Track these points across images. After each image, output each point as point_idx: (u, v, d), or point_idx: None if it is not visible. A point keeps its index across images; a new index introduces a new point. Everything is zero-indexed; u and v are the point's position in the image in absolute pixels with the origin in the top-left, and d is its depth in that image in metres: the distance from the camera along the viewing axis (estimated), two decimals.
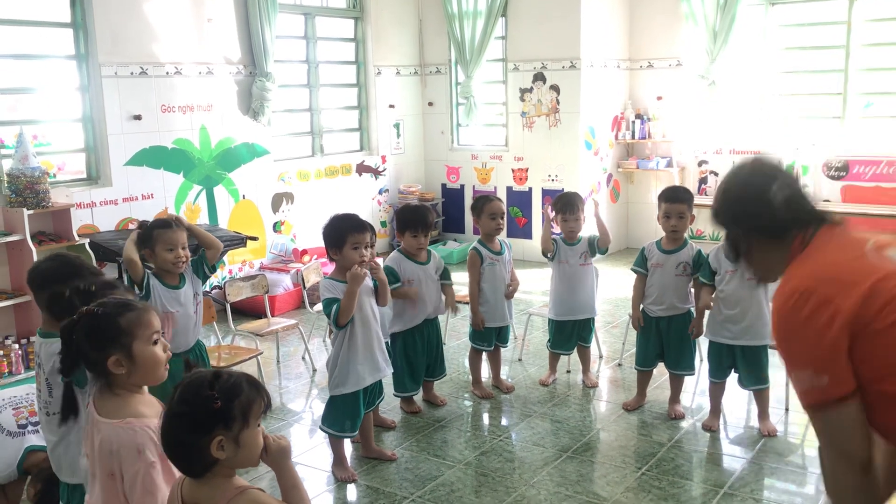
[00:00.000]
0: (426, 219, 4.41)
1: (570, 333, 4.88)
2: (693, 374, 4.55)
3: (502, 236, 4.86)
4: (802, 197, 1.93)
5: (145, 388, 2.20)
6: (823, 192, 7.69)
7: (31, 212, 5.24)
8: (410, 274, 4.38)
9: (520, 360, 5.41)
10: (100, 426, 2.10)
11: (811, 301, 1.75)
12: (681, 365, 4.44)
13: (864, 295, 1.70)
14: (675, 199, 4.28)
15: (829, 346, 1.72)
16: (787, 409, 4.42)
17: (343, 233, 3.67)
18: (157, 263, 3.69)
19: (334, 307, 3.62)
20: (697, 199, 8.07)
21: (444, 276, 4.53)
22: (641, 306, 4.43)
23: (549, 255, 4.80)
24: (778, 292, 1.85)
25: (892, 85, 7.53)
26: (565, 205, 4.79)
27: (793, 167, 1.99)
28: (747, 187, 1.96)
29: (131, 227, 5.98)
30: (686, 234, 4.41)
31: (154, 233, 3.67)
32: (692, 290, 4.38)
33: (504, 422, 4.54)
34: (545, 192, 8.18)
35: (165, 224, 3.74)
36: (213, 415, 1.76)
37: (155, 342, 2.15)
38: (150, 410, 2.14)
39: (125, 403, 2.13)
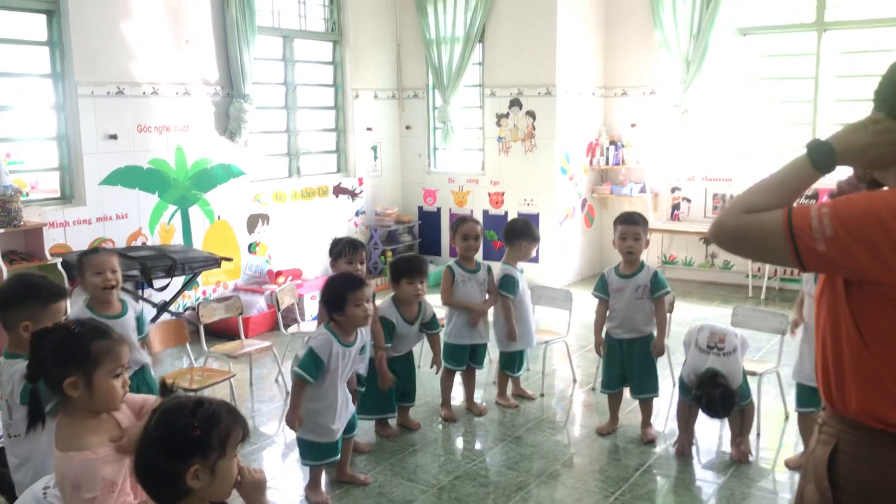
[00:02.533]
0: (422, 267, 4.46)
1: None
2: (658, 395, 4.57)
3: (479, 256, 4.92)
4: None
5: (102, 415, 2.18)
6: None
7: (2, 230, 5.19)
8: (400, 331, 4.41)
9: (494, 382, 5.41)
10: (56, 457, 2.10)
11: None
12: (646, 388, 4.48)
13: None
14: (630, 222, 4.39)
15: (864, 245, 1.60)
16: (758, 435, 4.46)
17: (343, 294, 3.65)
18: (88, 289, 3.68)
19: (305, 370, 3.61)
20: (671, 226, 8.24)
21: (431, 325, 4.54)
22: (605, 330, 4.49)
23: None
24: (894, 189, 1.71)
25: (861, 115, 7.66)
26: (535, 235, 4.99)
27: None
28: None
29: (105, 246, 5.96)
30: (642, 257, 4.48)
31: (83, 259, 3.69)
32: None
33: (478, 446, 4.54)
34: (521, 216, 8.24)
35: (93, 250, 3.81)
36: (192, 443, 1.74)
37: (116, 376, 2.14)
38: (99, 438, 2.12)
39: (73, 434, 2.11)
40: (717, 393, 3.91)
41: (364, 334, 3.92)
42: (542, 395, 5.18)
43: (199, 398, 1.83)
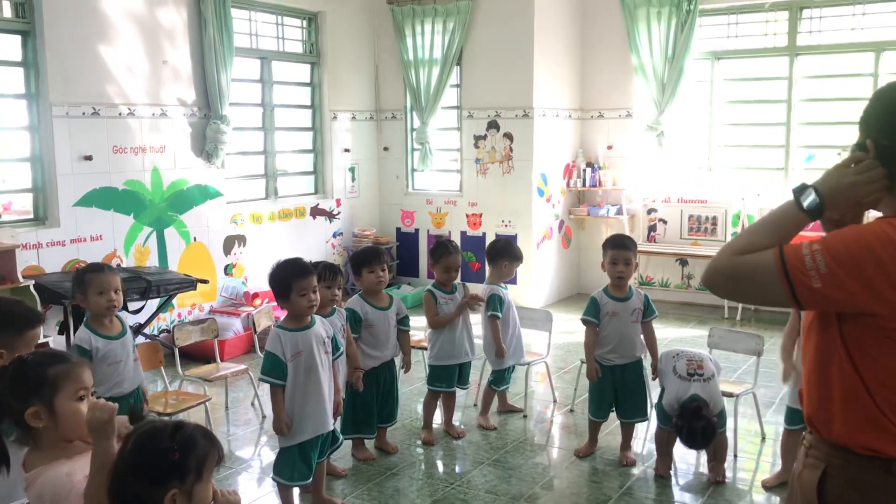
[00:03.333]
0: (377, 252, 4.46)
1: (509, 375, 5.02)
2: (647, 420, 4.58)
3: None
4: None
5: (75, 443, 2.10)
6: None
7: None
8: (372, 318, 4.37)
9: (475, 405, 5.39)
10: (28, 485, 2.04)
11: (887, 238, 1.62)
12: (637, 413, 4.48)
13: None
14: (622, 247, 4.35)
15: (857, 281, 1.61)
16: (735, 456, 4.48)
17: (288, 281, 3.61)
18: (90, 308, 3.63)
19: (269, 374, 3.60)
20: (647, 248, 8.30)
21: (404, 322, 4.54)
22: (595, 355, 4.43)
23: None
24: (882, 219, 1.72)
25: (833, 139, 7.81)
26: (517, 254, 5.02)
27: None
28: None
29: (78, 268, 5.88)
30: (630, 281, 4.47)
31: (86, 276, 3.62)
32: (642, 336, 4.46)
33: (457, 469, 4.51)
34: (498, 237, 8.25)
35: (98, 268, 3.70)
36: (170, 467, 1.72)
37: (80, 398, 2.06)
38: (75, 465, 2.06)
39: (44, 467, 2.04)
40: (700, 426, 3.89)
41: (326, 323, 3.86)
42: (524, 416, 5.18)
43: (176, 422, 1.81)
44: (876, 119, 1.75)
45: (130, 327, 3.95)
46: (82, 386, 2.08)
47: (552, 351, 5.60)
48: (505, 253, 4.97)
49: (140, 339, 5.84)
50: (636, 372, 4.44)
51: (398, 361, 4.57)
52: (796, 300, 1.66)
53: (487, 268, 5.10)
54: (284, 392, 3.63)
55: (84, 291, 3.60)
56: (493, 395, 5.11)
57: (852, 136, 1.81)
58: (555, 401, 5.46)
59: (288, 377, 3.61)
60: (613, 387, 4.44)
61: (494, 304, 4.86)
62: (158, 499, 1.71)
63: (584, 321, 4.42)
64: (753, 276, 1.69)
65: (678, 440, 4.08)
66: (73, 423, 2.05)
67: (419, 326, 4.84)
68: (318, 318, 3.79)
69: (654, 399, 4.61)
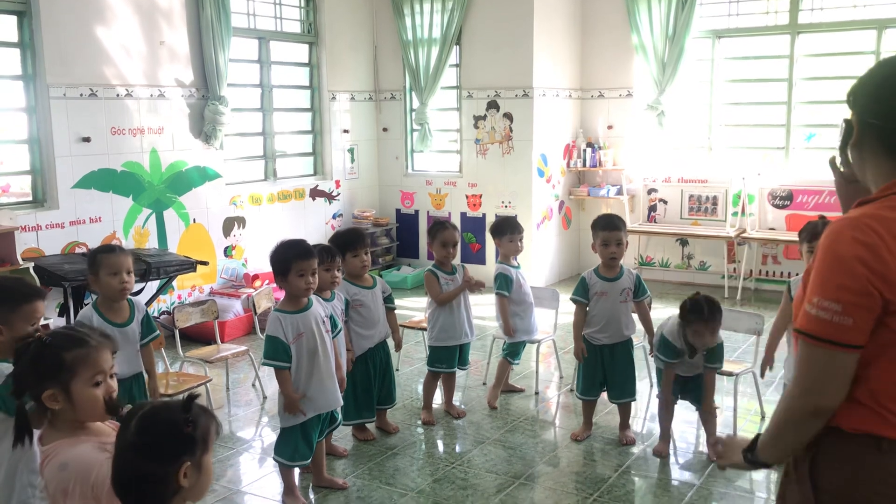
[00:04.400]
0: (361, 235, 4.44)
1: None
2: (636, 400, 4.59)
3: (456, 259, 4.92)
4: None
5: (91, 424, 2.12)
6: (769, 221, 7.90)
7: None
8: (360, 296, 4.37)
9: (484, 383, 5.40)
10: (44, 460, 2.05)
11: (873, 244, 1.60)
12: (625, 392, 4.49)
13: None
14: (613, 227, 4.32)
15: (868, 292, 1.60)
16: (735, 435, 4.49)
17: (288, 260, 3.62)
18: (102, 289, 3.61)
19: (273, 358, 3.60)
20: (647, 227, 8.29)
21: (389, 300, 4.55)
22: (584, 335, 4.43)
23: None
24: (847, 217, 1.69)
25: (833, 117, 7.78)
26: (511, 226, 4.98)
27: None
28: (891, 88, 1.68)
29: (78, 251, 5.88)
30: (626, 261, 4.47)
31: (98, 257, 3.60)
32: (634, 315, 4.46)
33: (457, 448, 4.52)
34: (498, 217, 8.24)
35: (110, 249, 3.67)
36: (184, 440, 1.73)
37: (97, 383, 2.06)
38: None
39: (64, 442, 2.05)
40: (702, 297, 3.95)
41: (323, 303, 3.88)
42: (536, 394, 5.23)
43: (188, 395, 1.82)
44: (864, 96, 1.73)
45: (147, 312, 3.91)
46: (99, 370, 2.07)
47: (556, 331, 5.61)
48: (501, 230, 4.99)
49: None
50: (625, 352, 4.45)
51: (390, 343, 4.58)
52: (857, 347, 1.63)
53: (497, 248, 5.14)
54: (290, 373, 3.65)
55: (96, 273, 3.58)
56: (507, 368, 5.13)
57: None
58: (561, 377, 5.48)
59: (292, 359, 3.62)
60: (602, 366, 4.45)
61: (500, 282, 4.91)
62: (170, 475, 1.72)
63: (574, 300, 4.43)
64: (822, 375, 1.66)
65: (675, 414, 4.08)
66: (88, 408, 2.06)
67: (419, 307, 4.84)
68: (314, 298, 3.80)
69: (654, 376, 4.62)
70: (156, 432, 1.74)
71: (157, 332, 3.93)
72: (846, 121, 1.75)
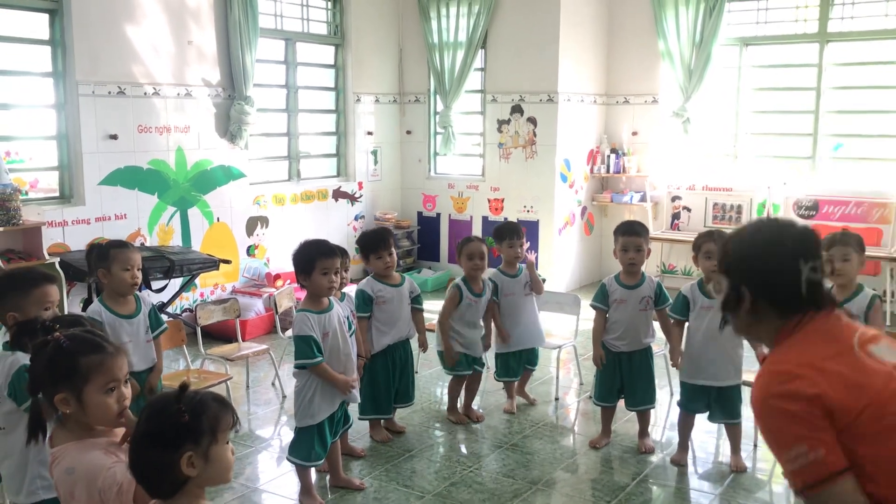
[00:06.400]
0: (382, 237, 4.44)
1: (517, 364, 4.95)
2: (654, 407, 4.55)
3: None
4: (821, 280, 1.86)
5: (103, 429, 2.12)
6: None
7: (1, 229, 5.17)
8: (385, 293, 4.38)
9: (503, 388, 5.38)
10: (56, 463, 2.06)
11: (797, 382, 1.71)
12: (645, 400, 4.45)
13: (848, 386, 1.68)
14: (632, 233, 4.31)
15: (819, 421, 1.68)
16: (755, 446, 4.44)
17: (312, 258, 3.66)
18: (113, 283, 3.66)
19: (306, 357, 3.62)
20: (670, 235, 8.24)
21: (417, 300, 4.55)
22: (603, 341, 4.40)
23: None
24: (762, 375, 1.79)
25: (861, 128, 7.69)
26: (511, 231, 4.93)
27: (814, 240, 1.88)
28: (776, 257, 1.85)
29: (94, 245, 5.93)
30: (643, 268, 4.43)
31: (111, 252, 3.66)
32: (656, 322, 4.42)
33: (475, 452, 4.51)
34: (520, 223, 8.23)
35: (122, 244, 3.75)
36: (182, 430, 1.76)
37: (110, 390, 2.05)
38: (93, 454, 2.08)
39: (72, 444, 2.06)
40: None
41: (340, 306, 3.90)
42: (556, 400, 5.22)
43: (180, 384, 1.83)
44: (743, 270, 1.88)
45: (153, 305, 3.97)
46: (113, 378, 2.07)
47: (576, 338, 5.58)
48: (504, 233, 4.92)
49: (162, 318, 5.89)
50: (644, 360, 4.41)
51: (414, 343, 4.58)
52: (845, 469, 1.67)
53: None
54: (306, 372, 3.68)
55: (108, 266, 3.63)
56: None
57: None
58: (581, 383, 5.46)
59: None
60: (620, 373, 4.42)
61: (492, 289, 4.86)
62: (174, 463, 1.75)
63: (593, 306, 4.42)
64: None
65: (695, 423, 4.05)
66: (99, 414, 2.06)
67: (435, 310, 4.83)
68: (333, 299, 3.83)
69: (675, 384, 4.59)
70: (157, 421, 1.79)
71: (165, 324, 3.99)
72: (730, 292, 1.88)
